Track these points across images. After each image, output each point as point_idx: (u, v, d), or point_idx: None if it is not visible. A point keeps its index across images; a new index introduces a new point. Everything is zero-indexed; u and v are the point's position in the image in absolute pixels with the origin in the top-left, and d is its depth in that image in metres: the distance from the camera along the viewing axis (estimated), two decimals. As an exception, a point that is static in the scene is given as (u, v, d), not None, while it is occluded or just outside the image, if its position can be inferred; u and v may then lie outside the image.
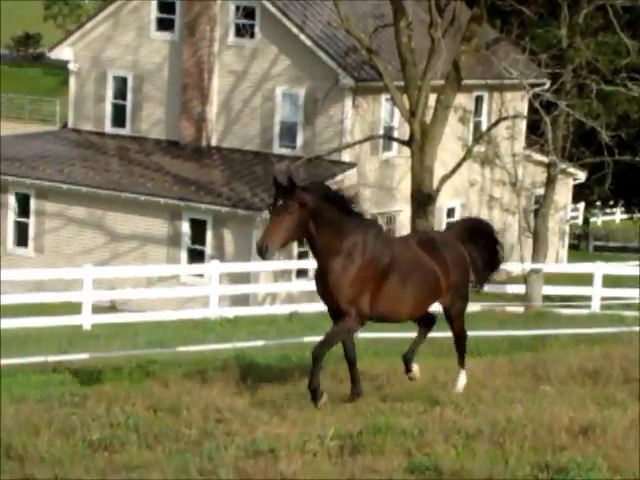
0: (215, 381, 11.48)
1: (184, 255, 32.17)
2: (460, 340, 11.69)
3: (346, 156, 33.02)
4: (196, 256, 31.58)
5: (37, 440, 8.76)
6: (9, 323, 18.66)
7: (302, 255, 29.98)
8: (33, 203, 33.88)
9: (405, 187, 32.22)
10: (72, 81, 36.71)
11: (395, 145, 33.50)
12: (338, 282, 10.36)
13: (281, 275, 30.24)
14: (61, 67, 45.17)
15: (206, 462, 8.28)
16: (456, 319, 11.48)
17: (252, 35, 33.98)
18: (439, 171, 30.71)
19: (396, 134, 33.31)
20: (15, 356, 14.43)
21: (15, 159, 34.59)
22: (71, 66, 36.50)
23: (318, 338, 15.10)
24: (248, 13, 33.84)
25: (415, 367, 11.46)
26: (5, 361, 13.99)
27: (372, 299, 10.51)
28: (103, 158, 34.73)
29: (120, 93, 35.80)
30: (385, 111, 33.90)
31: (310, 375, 10.39)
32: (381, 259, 10.54)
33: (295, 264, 27.84)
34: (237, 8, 33.97)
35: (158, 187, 32.46)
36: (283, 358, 13.86)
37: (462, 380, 11.48)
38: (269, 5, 33.35)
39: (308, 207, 10.26)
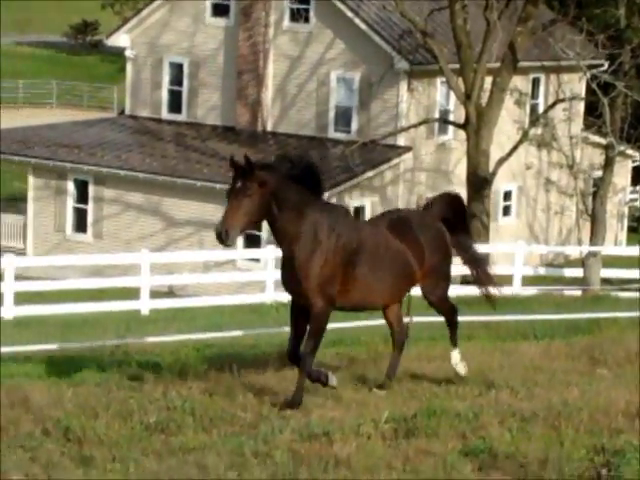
0: (270, 365, 11.54)
1: (240, 240, 32.35)
2: (452, 320, 10.73)
3: (401, 140, 32.93)
4: (252, 241, 31.74)
5: (95, 422, 8.88)
6: (68, 308, 18.90)
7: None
8: (91, 189, 34.25)
9: (461, 170, 32.07)
10: (129, 68, 37.00)
11: (451, 128, 33.34)
12: (305, 268, 9.55)
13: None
14: (118, 54, 45.58)
15: (261, 445, 8.35)
16: (440, 303, 10.58)
17: (307, 19, 33.97)
18: (495, 154, 30.52)
19: (452, 117, 33.15)
20: (74, 340, 14.62)
21: (73, 146, 34.97)
22: (128, 53, 36.78)
23: (373, 322, 15.16)
24: (303, -3, 33.83)
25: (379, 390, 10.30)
26: (65, 345, 14.19)
27: (342, 286, 9.73)
28: (160, 144, 34.99)
29: (176, 79, 36.03)
30: (440, 94, 33.73)
31: (299, 385, 9.59)
32: (349, 244, 9.73)
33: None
34: (292, -8, 33.99)
35: (214, 173, 32.63)
36: (337, 342, 13.90)
37: (456, 358, 10.65)
38: (323, -11, 33.32)
39: (269, 187, 9.50)
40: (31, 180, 35.02)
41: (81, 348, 13.85)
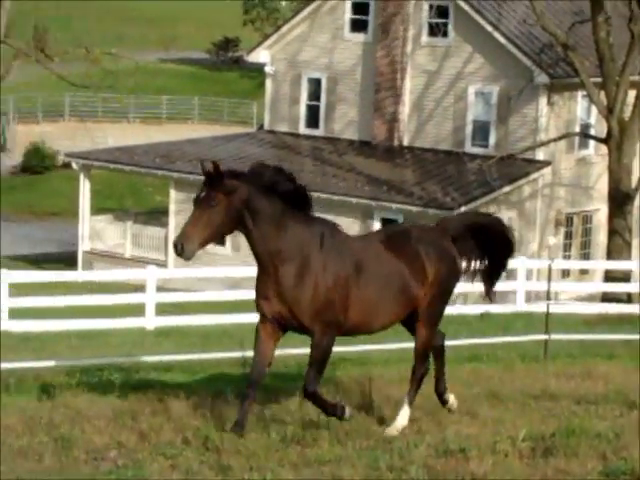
0: (405, 380, 11.49)
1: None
2: (421, 362, 9.61)
3: (540, 154, 32.47)
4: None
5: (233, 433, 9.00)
6: (208, 319, 19.21)
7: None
8: (230, 203, 34.76)
9: (602, 186, 31.42)
10: (268, 83, 37.51)
11: (592, 143, 32.71)
12: (295, 292, 8.85)
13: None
14: (257, 70, 46.29)
15: (396, 459, 8.34)
16: (425, 325, 9.44)
17: (445, 34, 33.86)
18: (639, 169, 29.82)
19: (593, 131, 32.53)
20: (213, 351, 14.85)
21: (213, 160, 35.59)
22: (267, 69, 37.30)
23: (509, 339, 14.95)
24: (441, 12, 33.74)
25: (451, 398, 9.94)
26: (204, 356, 14.43)
27: (340, 310, 8.99)
28: (297, 158, 35.35)
29: (314, 94, 36.36)
30: (581, 108, 33.14)
31: (323, 409, 9.12)
32: (341, 263, 8.95)
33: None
34: (430, 7, 33.92)
35: (350, 187, 32.79)
36: (473, 358, 13.77)
37: (403, 417, 9.48)
38: (463, 3, 33.17)
39: (238, 198, 8.80)
40: (173, 194, 35.80)
41: (220, 359, 14.06)
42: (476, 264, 9.84)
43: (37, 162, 54.62)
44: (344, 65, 35.68)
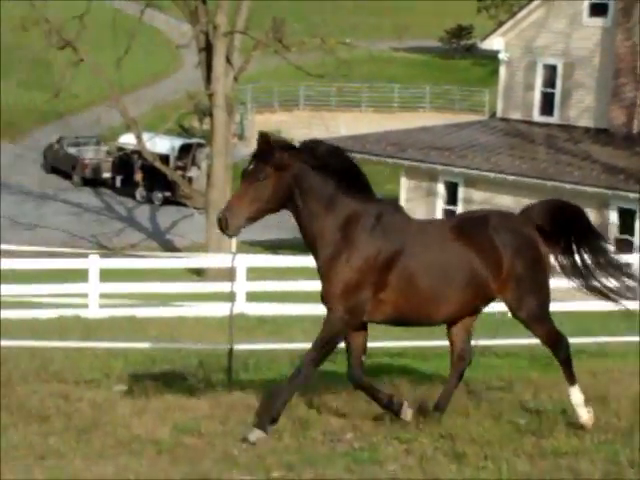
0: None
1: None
2: (556, 349, 8.79)
3: None
4: (624, 246, 30.78)
5: (467, 421, 8.99)
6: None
7: None
8: (461, 191, 34.67)
9: None
10: (502, 70, 37.06)
11: None
12: (328, 269, 8.24)
13: None
14: (490, 57, 45.81)
15: (637, 455, 8.07)
16: (533, 324, 8.66)
17: (689, 16, 32.44)
18: None
19: None
20: (441, 339, 14.82)
21: (445, 148, 35.56)
22: (501, 56, 36.85)
23: None
24: (687, -7, 32.37)
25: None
26: (433, 343, 14.43)
27: (377, 295, 8.30)
28: (530, 146, 34.78)
29: (549, 81, 35.65)
30: None
31: (277, 401, 8.44)
32: (389, 246, 8.27)
33: None
34: (676, -11, 32.61)
35: (585, 176, 31.97)
36: None
37: (577, 398, 8.85)
38: None
39: (288, 172, 8.22)
40: (403, 182, 36.00)
41: (436, 347, 14.00)
42: (568, 255, 8.86)
43: (273, 150, 56.15)
44: (582, 51, 34.78)
